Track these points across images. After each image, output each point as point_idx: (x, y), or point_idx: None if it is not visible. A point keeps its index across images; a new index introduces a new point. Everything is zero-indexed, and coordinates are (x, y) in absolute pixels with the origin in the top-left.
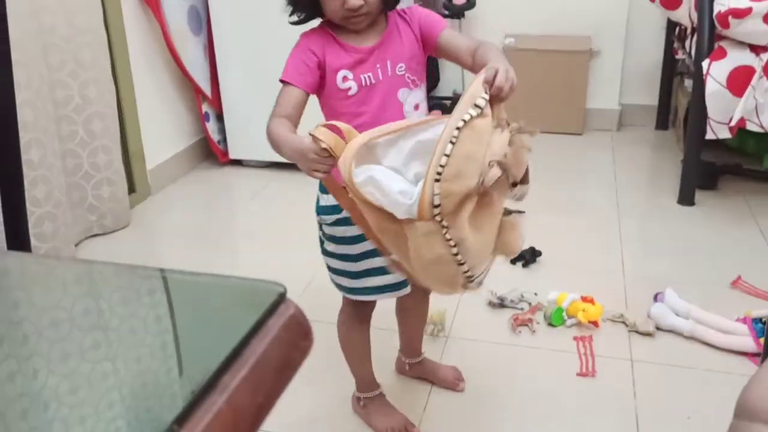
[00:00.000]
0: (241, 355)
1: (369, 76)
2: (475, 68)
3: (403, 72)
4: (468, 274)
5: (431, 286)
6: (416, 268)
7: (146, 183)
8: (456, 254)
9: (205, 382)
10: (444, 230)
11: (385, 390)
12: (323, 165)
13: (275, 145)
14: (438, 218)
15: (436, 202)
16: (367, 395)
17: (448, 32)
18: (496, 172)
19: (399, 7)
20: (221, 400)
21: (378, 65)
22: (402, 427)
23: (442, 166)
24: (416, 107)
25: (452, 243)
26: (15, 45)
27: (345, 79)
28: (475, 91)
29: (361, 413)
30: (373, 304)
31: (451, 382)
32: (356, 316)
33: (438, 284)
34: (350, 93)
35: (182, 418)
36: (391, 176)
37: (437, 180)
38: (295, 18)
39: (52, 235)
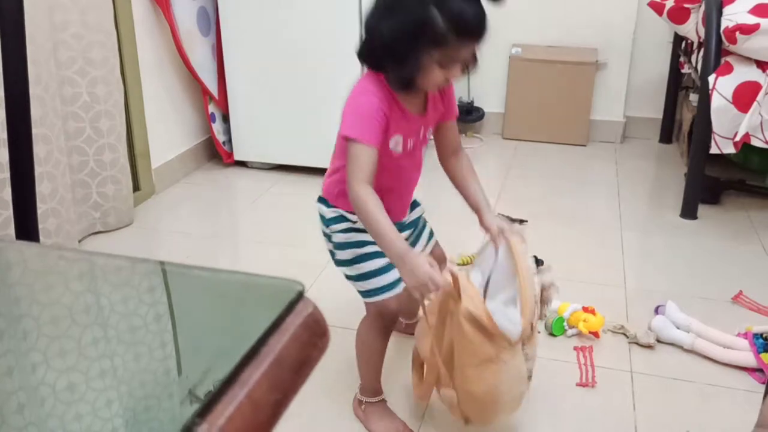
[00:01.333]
0: (261, 351)
1: (412, 141)
2: (454, 170)
3: (430, 135)
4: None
5: (496, 415)
6: (498, 399)
7: (151, 182)
8: (531, 368)
9: (227, 376)
10: (523, 348)
11: (385, 395)
12: (431, 292)
13: (376, 231)
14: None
15: (534, 324)
16: (370, 400)
17: (454, 123)
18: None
19: None
20: (242, 394)
21: (420, 132)
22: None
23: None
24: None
25: (527, 358)
26: (27, 40)
27: (396, 143)
28: (524, 252)
29: (360, 417)
30: (396, 316)
31: None
32: (380, 327)
33: (505, 409)
34: (395, 154)
35: (204, 410)
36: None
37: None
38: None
39: (56, 231)
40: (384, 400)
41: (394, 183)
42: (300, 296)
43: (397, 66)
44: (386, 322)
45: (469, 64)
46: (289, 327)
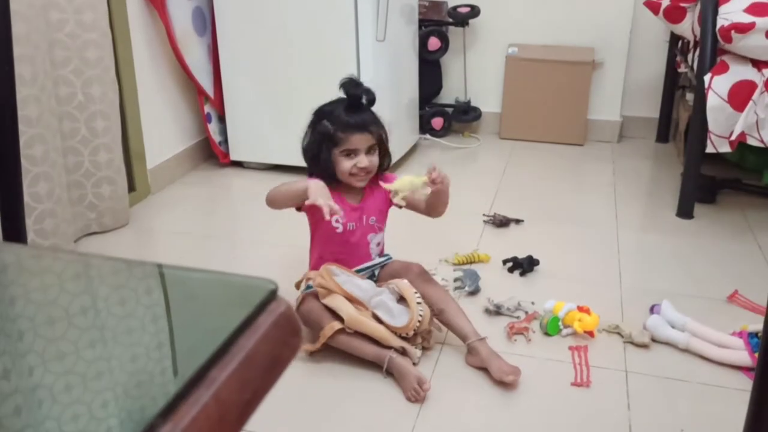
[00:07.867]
0: (230, 351)
1: (353, 224)
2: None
3: (374, 222)
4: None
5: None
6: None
7: (146, 182)
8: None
9: (191, 377)
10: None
11: (378, 390)
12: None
13: (284, 190)
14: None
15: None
16: (386, 366)
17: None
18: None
19: None
20: (207, 394)
21: (358, 217)
22: (414, 384)
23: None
24: (378, 244)
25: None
26: (23, 40)
27: (337, 221)
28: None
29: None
30: (300, 314)
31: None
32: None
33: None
34: (337, 231)
35: (167, 411)
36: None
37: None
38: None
39: (53, 232)
40: (391, 357)
41: (340, 250)
42: (273, 295)
43: (319, 166)
44: (305, 318)
45: (383, 154)
46: (260, 326)
